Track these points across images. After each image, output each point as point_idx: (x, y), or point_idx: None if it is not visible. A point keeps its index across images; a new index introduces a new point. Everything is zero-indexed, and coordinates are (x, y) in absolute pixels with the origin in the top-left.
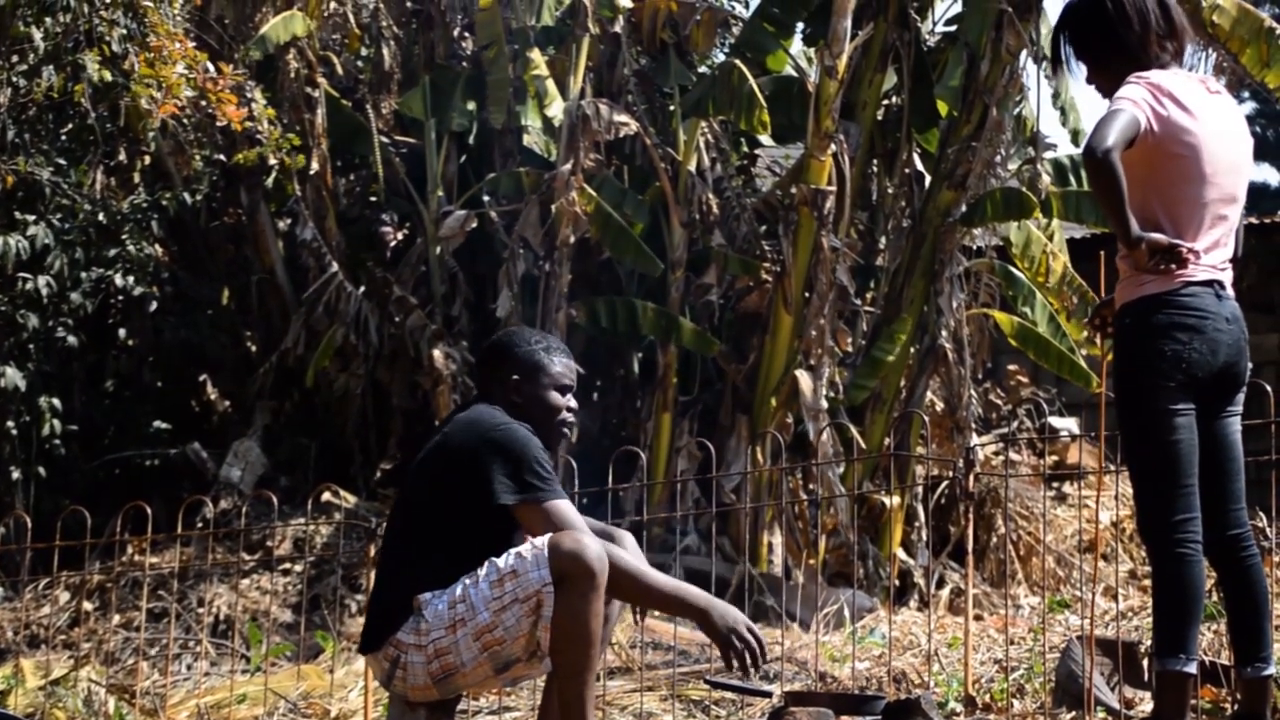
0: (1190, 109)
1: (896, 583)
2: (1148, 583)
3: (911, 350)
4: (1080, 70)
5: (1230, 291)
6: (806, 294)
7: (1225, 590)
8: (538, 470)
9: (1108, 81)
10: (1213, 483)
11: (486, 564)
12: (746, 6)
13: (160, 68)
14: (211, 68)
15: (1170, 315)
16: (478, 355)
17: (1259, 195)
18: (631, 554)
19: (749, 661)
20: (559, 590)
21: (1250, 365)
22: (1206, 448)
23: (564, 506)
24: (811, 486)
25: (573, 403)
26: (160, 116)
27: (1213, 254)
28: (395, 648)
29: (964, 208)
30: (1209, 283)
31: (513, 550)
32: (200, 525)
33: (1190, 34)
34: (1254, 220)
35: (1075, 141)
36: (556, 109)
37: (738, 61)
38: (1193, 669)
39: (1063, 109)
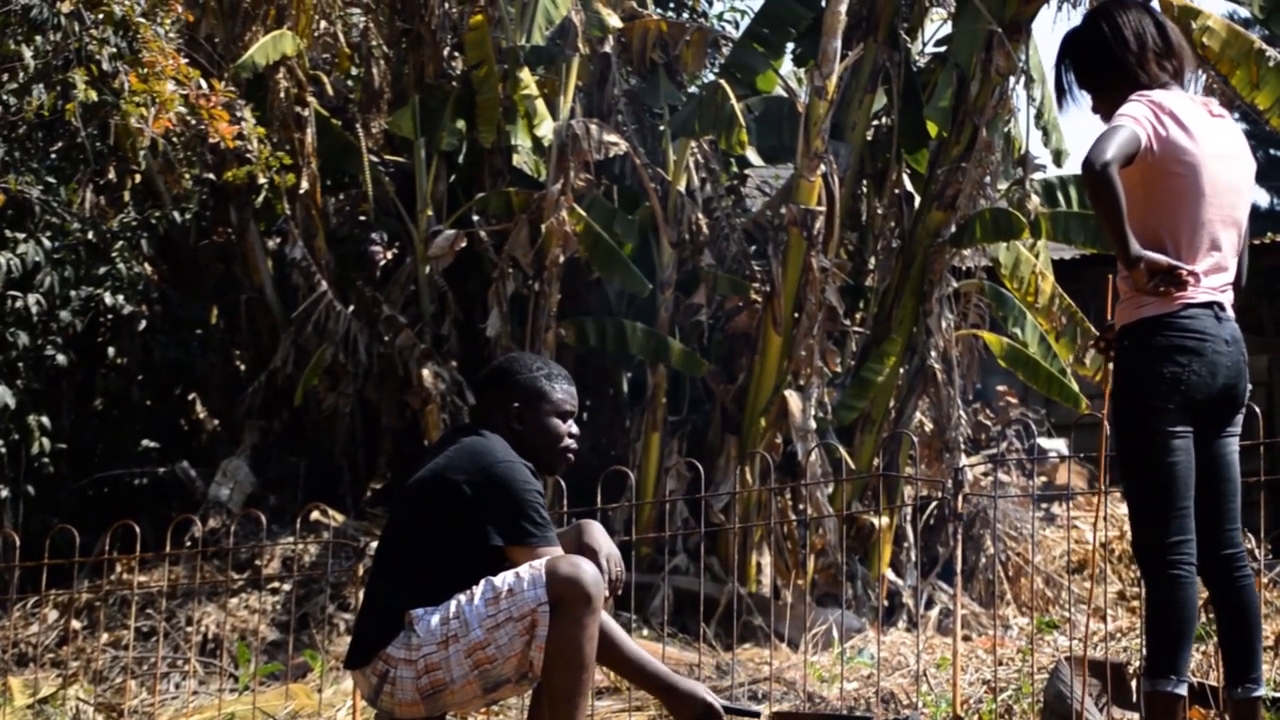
0: (1190, 129)
1: (885, 603)
2: (1136, 604)
3: (900, 371)
4: (1084, 100)
5: (1230, 313)
6: (796, 314)
7: (1217, 610)
8: (533, 516)
9: (1110, 106)
10: (1209, 502)
11: (483, 581)
12: (736, 27)
13: (154, 83)
14: (204, 84)
15: (1169, 338)
16: (478, 380)
17: (1249, 216)
18: (599, 537)
19: None
20: (555, 614)
21: (1250, 386)
22: (1204, 467)
23: (554, 553)
24: (800, 506)
25: (574, 429)
26: (152, 134)
27: (1213, 276)
28: (385, 662)
29: (953, 228)
30: (1209, 304)
31: (511, 569)
32: (189, 544)
33: (1189, 54)
34: None
35: (1058, 161)
36: (546, 129)
37: (723, 81)
38: (1183, 690)
39: (1045, 129)
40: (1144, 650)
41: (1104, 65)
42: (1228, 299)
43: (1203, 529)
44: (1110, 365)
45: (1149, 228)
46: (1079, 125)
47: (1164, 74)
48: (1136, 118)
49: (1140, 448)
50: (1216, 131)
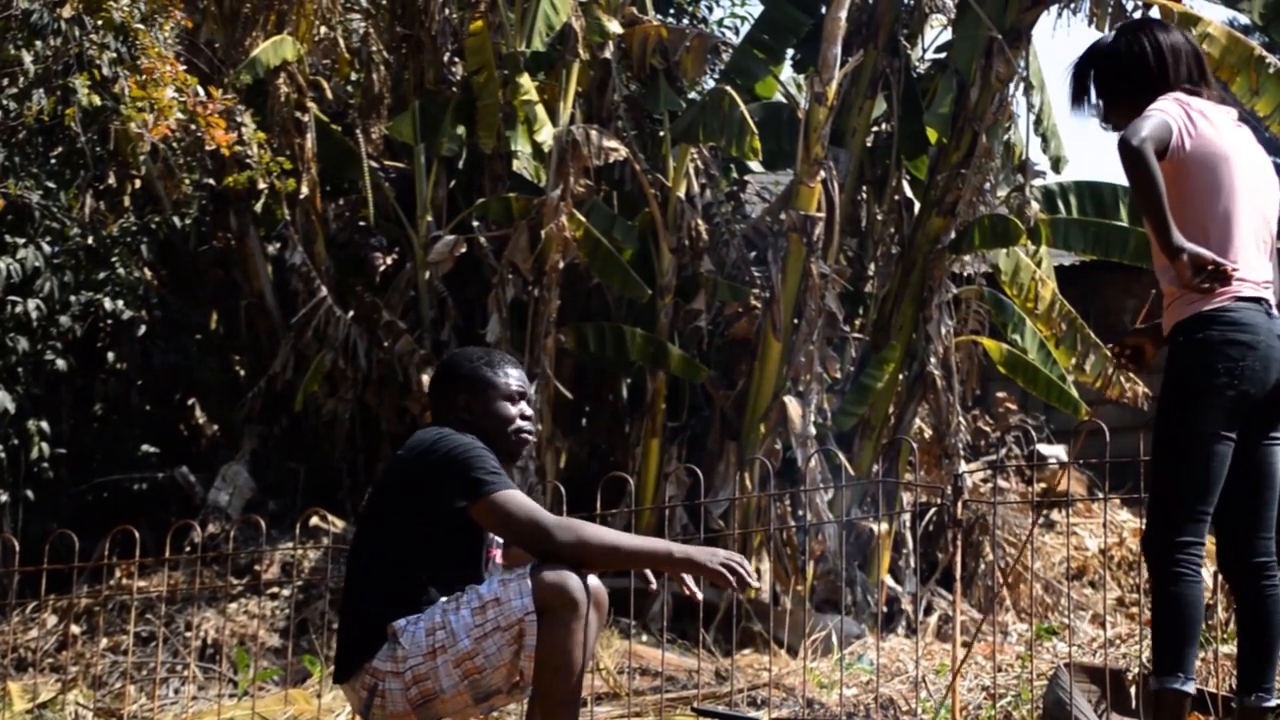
0: (1218, 125)
1: (884, 609)
2: (1135, 610)
3: (900, 377)
4: (1099, 108)
5: (1275, 311)
6: (795, 320)
7: (1239, 617)
8: (481, 466)
9: (1128, 121)
10: (1245, 508)
11: (468, 590)
12: (736, 33)
13: (152, 90)
14: (201, 91)
15: (1224, 331)
16: (429, 383)
17: None
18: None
19: (743, 577)
20: (542, 620)
21: None
22: (1243, 472)
23: (515, 495)
24: (799, 513)
25: (527, 410)
26: (151, 139)
27: (1256, 271)
28: (372, 676)
29: (953, 234)
30: (1256, 299)
31: (496, 578)
32: (188, 549)
33: (1215, 85)
34: None
35: (1057, 168)
36: (546, 134)
37: (728, 88)
38: (1190, 689)
39: (1045, 136)
40: (1150, 650)
41: (1138, 78)
42: (1272, 297)
43: (1236, 534)
44: (1138, 370)
45: (1184, 225)
46: (1080, 129)
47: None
48: (1167, 111)
49: (1181, 444)
50: (1243, 137)
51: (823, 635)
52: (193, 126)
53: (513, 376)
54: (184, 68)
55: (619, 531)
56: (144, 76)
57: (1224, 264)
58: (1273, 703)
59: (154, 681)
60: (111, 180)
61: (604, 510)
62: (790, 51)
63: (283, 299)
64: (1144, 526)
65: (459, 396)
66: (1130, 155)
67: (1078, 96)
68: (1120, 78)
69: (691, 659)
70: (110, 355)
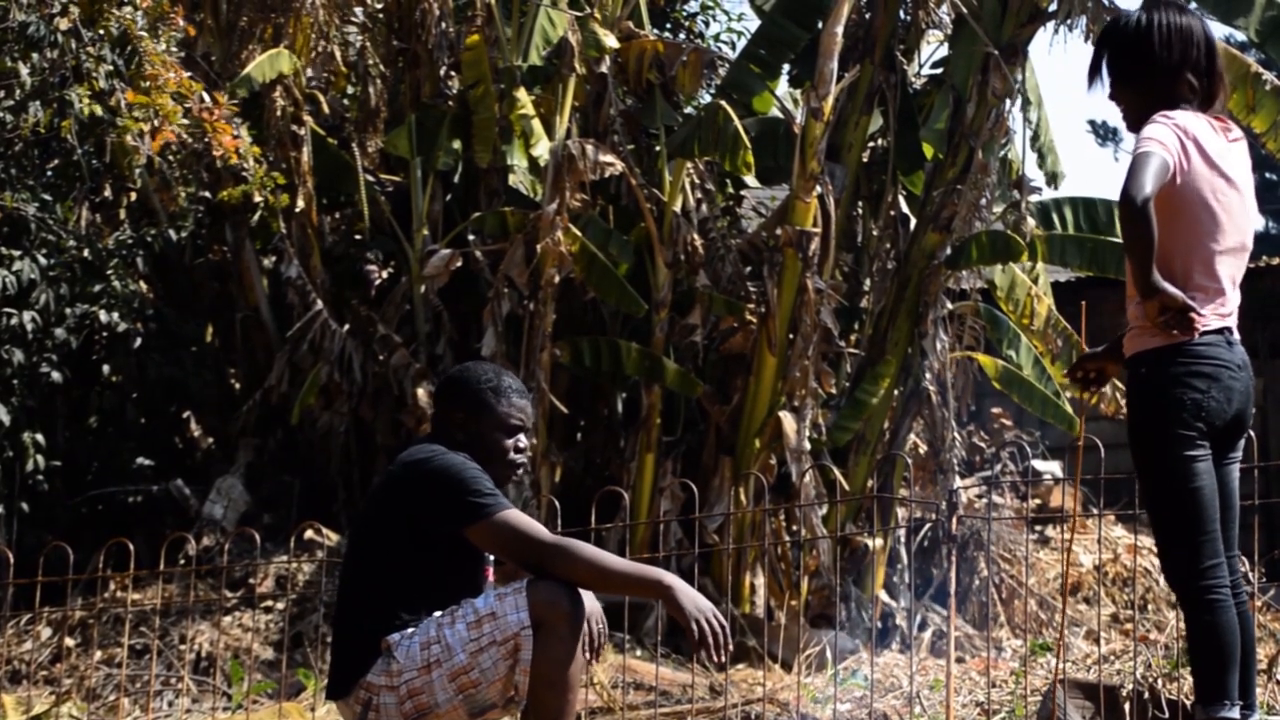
0: (1212, 155)
1: (879, 625)
2: (1129, 626)
3: (895, 392)
4: (1108, 85)
5: (1238, 337)
6: (791, 335)
7: None
8: (476, 489)
9: (1128, 101)
10: None
11: (463, 604)
12: (733, 48)
13: (156, 95)
14: (207, 97)
15: (1187, 364)
16: (437, 389)
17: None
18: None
19: (714, 645)
20: (538, 635)
21: (1253, 411)
22: None
23: (513, 516)
24: (794, 528)
25: (523, 442)
26: (149, 151)
27: (1223, 301)
28: (366, 690)
29: (949, 250)
30: (1220, 330)
31: (491, 592)
32: (182, 562)
33: (1224, 82)
34: None
35: (1053, 184)
36: (542, 148)
37: (723, 102)
38: (1237, 714)
39: (1041, 151)
40: (1192, 680)
41: (1139, 62)
42: (1235, 323)
43: None
44: (1091, 394)
45: (1165, 252)
46: (1076, 145)
47: (1192, 95)
48: (1165, 144)
49: (1165, 476)
50: (1233, 157)
51: (817, 650)
52: (189, 139)
53: (515, 407)
54: (188, 74)
55: (614, 555)
56: (148, 83)
57: (1194, 310)
58: (1255, 718)
59: (148, 694)
60: (108, 193)
61: (598, 525)
62: (786, 66)
63: (278, 312)
64: (1162, 565)
65: (458, 413)
66: (1133, 213)
67: (1093, 73)
68: (1127, 55)
69: (685, 674)
70: (106, 368)
